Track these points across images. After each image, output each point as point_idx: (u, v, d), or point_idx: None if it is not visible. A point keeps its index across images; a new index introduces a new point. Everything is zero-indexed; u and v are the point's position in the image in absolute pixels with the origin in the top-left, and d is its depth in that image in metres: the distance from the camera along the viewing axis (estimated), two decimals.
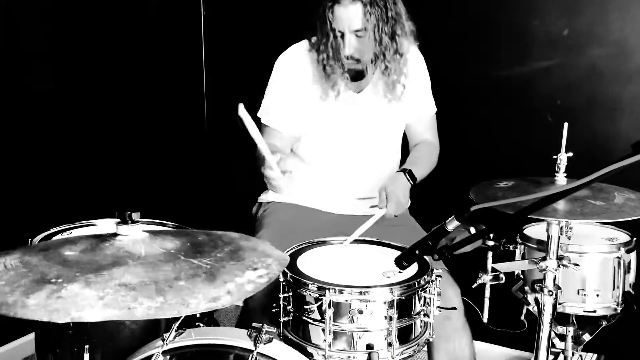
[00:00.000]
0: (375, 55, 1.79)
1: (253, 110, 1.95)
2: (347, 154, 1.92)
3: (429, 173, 1.97)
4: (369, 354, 1.31)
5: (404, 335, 1.37)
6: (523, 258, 1.80)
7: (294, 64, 1.90)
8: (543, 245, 1.60)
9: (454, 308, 1.67)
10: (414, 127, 2.01)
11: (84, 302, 0.88)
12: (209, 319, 1.49)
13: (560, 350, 1.89)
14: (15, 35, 2.49)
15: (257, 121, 1.95)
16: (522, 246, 1.82)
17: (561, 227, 1.49)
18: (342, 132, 1.91)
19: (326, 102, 1.86)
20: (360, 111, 1.90)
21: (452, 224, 1.22)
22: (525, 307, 1.77)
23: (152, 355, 1.13)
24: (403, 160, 2.05)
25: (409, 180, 1.81)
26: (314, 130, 1.92)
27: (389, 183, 1.78)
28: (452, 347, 1.71)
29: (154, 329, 1.35)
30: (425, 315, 1.40)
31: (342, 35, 1.75)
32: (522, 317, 1.78)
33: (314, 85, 1.85)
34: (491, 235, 1.56)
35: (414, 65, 1.94)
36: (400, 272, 1.39)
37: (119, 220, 1.10)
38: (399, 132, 2.00)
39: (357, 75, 1.83)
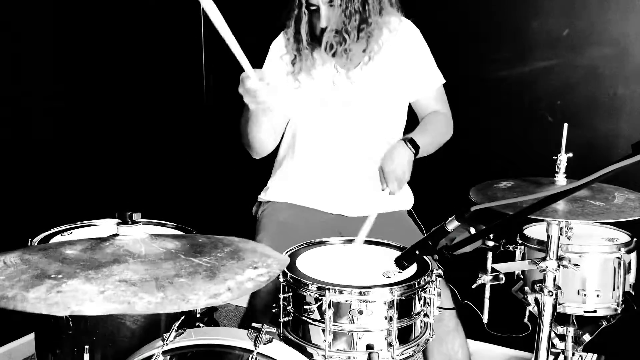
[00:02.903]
0: (338, 24, 1.74)
1: None
2: (338, 140, 1.88)
3: (441, 144, 1.89)
4: (369, 354, 1.31)
5: (404, 336, 1.37)
6: (523, 258, 1.80)
7: (278, 50, 1.91)
8: (543, 246, 1.60)
9: (454, 308, 1.67)
10: (421, 102, 1.93)
11: (84, 297, 0.87)
12: (209, 319, 1.48)
13: (561, 351, 1.89)
14: (16, 37, 2.50)
15: None
16: (522, 246, 1.82)
17: (561, 228, 1.49)
18: (329, 114, 1.87)
19: (308, 83, 1.85)
20: (352, 92, 1.86)
21: (452, 224, 1.22)
22: (527, 310, 1.76)
23: (152, 356, 1.13)
24: None
25: (410, 149, 1.74)
26: (302, 113, 1.90)
27: (385, 161, 1.74)
28: (445, 348, 1.71)
29: (154, 329, 1.35)
30: (425, 315, 1.41)
31: (318, 10, 1.74)
32: (526, 320, 1.78)
33: (292, 64, 1.86)
34: (491, 236, 1.56)
35: (409, 39, 1.89)
36: (400, 272, 1.39)
37: (119, 220, 1.10)
38: (398, 114, 1.93)
39: (331, 47, 1.77)
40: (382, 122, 1.90)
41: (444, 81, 1.94)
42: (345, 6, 1.73)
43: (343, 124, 1.88)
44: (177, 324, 1.19)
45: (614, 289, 1.73)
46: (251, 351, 1.15)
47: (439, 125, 1.92)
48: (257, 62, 1.95)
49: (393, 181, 1.72)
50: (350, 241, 1.65)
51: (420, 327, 1.41)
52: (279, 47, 1.91)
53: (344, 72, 1.85)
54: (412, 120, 1.97)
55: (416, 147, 1.75)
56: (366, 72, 1.84)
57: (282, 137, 1.98)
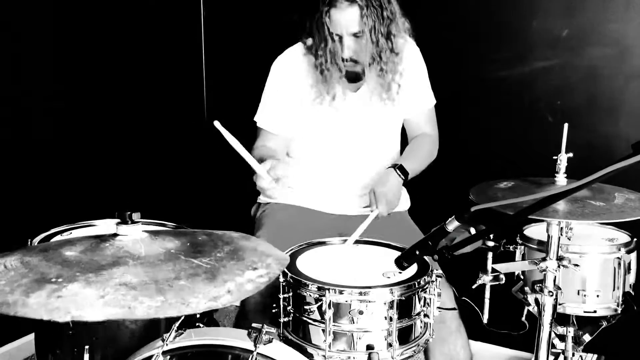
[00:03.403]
0: (372, 56, 1.79)
1: (252, 112, 1.96)
2: (344, 155, 1.92)
3: (427, 166, 1.96)
4: (369, 354, 1.31)
5: (404, 336, 1.37)
6: (523, 258, 1.80)
7: (289, 67, 1.90)
8: (543, 246, 1.60)
9: (455, 308, 1.67)
10: (412, 120, 2.00)
11: (84, 301, 0.88)
12: (209, 319, 1.48)
13: (561, 351, 1.89)
14: (16, 37, 2.49)
15: (254, 124, 1.95)
16: (522, 247, 1.81)
17: (561, 228, 1.49)
18: (338, 134, 1.90)
19: (322, 105, 1.86)
20: (356, 112, 1.90)
21: (452, 225, 1.22)
22: (526, 308, 1.77)
23: (152, 356, 1.13)
24: None
25: (399, 176, 1.81)
26: (310, 132, 1.92)
27: (377, 184, 1.80)
28: (447, 349, 1.71)
29: (154, 329, 1.35)
30: (425, 315, 1.41)
31: (340, 39, 1.75)
32: (523, 319, 1.78)
33: (309, 88, 1.85)
34: (491, 236, 1.56)
35: (410, 58, 1.92)
36: (400, 272, 1.39)
37: (119, 220, 1.10)
38: (396, 129, 1.99)
39: (356, 77, 1.82)
40: (384, 131, 1.95)
41: (435, 102, 2.00)
42: (373, 39, 1.75)
43: (348, 134, 1.91)
44: (177, 324, 1.19)
45: (614, 289, 1.72)
46: (251, 351, 1.15)
47: (426, 149, 1.99)
48: (260, 69, 1.95)
49: (384, 204, 1.76)
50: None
51: (421, 327, 1.41)
52: (290, 66, 1.90)
53: (363, 97, 1.88)
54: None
55: (405, 173, 1.83)
56: (373, 89, 1.87)
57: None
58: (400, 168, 1.82)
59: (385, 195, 1.77)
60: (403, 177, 1.82)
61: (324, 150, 1.93)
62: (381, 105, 1.88)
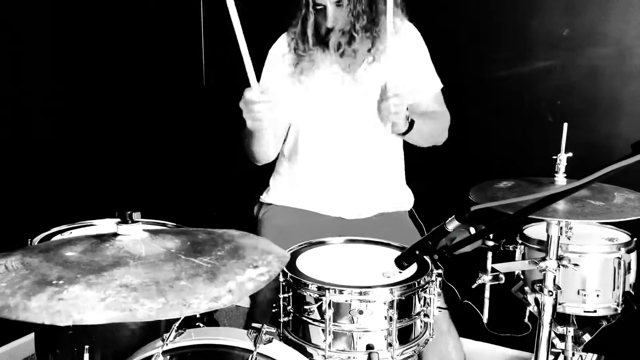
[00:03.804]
0: (351, 24, 1.75)
1: None
2: (340, 142, 1.88)
3: (434, 134, 1.90)
4: (369, 354, 1.31)
5: (404, 336, 1.37)
6: (523, 258, 1.80)
7: (280, 52, 1.90)
8: (543, 246, 1.60)
9: (447, 308, 1.67)
10: (419, 105, 1.92)
11: (85, 304, 0.88)
12: (209, 319, 1.49)
13: (561, 351, 1.89)
14: (16, 37, 2.50)
15: None
16: (522, 246, 1.81)
17: (561, 227, 1.49)
18: (331, 116, 1.87)
19: (311, 84, 1.84)
20: (356, 92, 1.86)
21: (452, 224, 1.22)
22: (527, 310, 1.76)
23: (152, 356, 1.13)
24: (407, 162, 2.03)
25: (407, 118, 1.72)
26: (304, 115, 1.89)
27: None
28: (438, 350, 1.71)
29: (154, 329, 1.35)
30: (425, 315, 1.41)
31: (324, 8, 1.73)
32: (526, 320, 1.78)
33: (294, 69, 1.85)
34: (491, 236, 1.56)
35: (410, 41, 1.90)
36: (400, 272, 1.39)
37: (119, 220, 1.10)
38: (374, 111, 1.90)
39: (339, 47, 1.78)
40: (359, 112, 1.88)
41: (442, 86, 1.96)
42: (353, 6, 1.73)
43: (345, 126, 1.88)
44: (177, 324, 1.19)
45: (614, 289, 1.72)
46: (251, 351, 1.15)
47: (438, 117, 1.92)
48: (261, 66, 1.95)
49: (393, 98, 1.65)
50: (352, 241, 1.65)
51: (420, 327, 1.41)
52: (280, 50, 1.90)
53: (349, 73, 1.85)
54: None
55: (411, 123, 1.74)
56: (370, 72, 1.84)
57: (284, 139, 1.98)
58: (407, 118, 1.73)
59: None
60: (408, 121, 1.72)
61: (319, 137, 1.89)
62: (378, 85, 1.81)
